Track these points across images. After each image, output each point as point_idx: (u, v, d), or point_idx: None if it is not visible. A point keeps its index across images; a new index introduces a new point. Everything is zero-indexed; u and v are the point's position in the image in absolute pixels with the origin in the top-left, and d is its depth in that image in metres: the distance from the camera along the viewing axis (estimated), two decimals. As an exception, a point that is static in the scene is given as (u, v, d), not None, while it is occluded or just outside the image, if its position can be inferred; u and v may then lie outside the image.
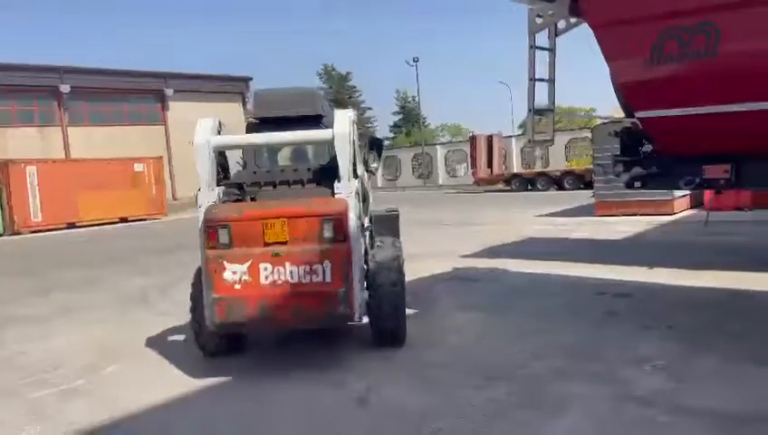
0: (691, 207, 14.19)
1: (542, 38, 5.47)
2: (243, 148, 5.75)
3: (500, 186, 31.22)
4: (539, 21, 5.35)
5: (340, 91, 66.58)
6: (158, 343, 5.93)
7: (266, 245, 4.54)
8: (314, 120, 5.51)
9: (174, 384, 4.66)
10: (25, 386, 4.86)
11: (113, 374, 5.08)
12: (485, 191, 30.84)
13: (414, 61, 45.81)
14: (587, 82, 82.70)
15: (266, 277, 4.52)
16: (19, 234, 22.28)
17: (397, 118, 68.91)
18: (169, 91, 33.92)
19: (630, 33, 4.61)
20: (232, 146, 5.56)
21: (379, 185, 45.13)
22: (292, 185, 5.25)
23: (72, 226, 23.81)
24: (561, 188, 27.55)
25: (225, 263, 4.54)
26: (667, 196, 13.20)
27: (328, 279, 4.50)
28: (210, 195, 4.90)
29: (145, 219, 26.01)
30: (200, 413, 4.14)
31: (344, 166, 4.78)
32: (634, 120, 5.11)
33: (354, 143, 5.07)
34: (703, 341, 4.83)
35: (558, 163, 33.40)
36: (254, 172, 5.58)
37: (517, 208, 18.79)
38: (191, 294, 5.22)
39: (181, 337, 5.99)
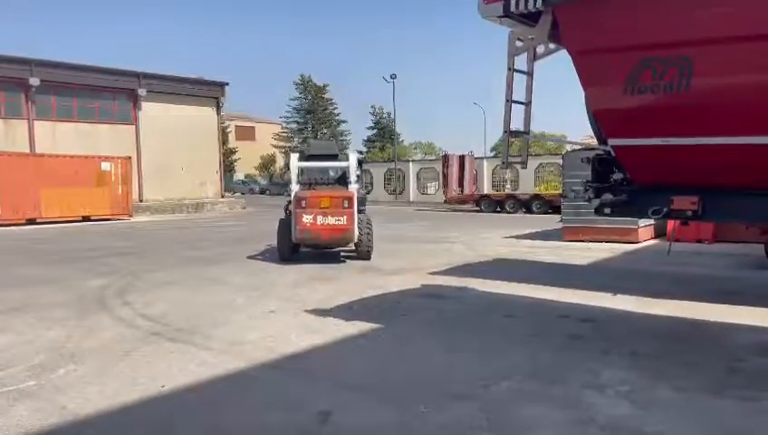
0: (654, 237, 14.49)
1: (521, 61, 5.54)
2: (308, 168, 12.02)
3: (469, 206, 31.46)
4: (519, 44, 5.41)
5: (316, 102, 66.60)
6: (115, 342, 5.75)
7: (320, 208, 10.73)
8: (334, 157, 12.39)
9: (130, 385, 4.52)
10: (-30, 386, 4.64)
11: (65, 376, 4.88)
12: (455, 210, 31.04)
13: (391, 77, 46.07)
14: (559, 108, 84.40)
15: (320, 222, 10.73)
16: (-25, 227, 21.53)
17: (371, 132, 69.18)
18: (142, 91, 33.34)
19: (607, 62, 4.70)
20: (305, 167, 11.98)
21: (350, 198, 45.03)
22: (327, 184, 12.01)
23: (32, 222, 23.13)
24: (529, 211, 27.90)
25: (303, 215, 10.72)
26: (633, 224, 13.47)
27: (345, 223, 10.82)
28: (296, 187, 11.36)
29: (109, 219, 25.42)
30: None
31: (352, 177, 11.70)
32: (606, 147, 5.19)
33: (354, 168, 11.82)
34: (664, 369, 4.89)
35: (527, 187, 33.85)
36: (309, 178, 11.97)
37: (486, 229, 18.94)
38: (278, 236, 11.64)
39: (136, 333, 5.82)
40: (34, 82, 29.40)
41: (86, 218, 24.78)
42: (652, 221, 12.80)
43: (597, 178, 5.51)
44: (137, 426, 4.00)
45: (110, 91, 32.76)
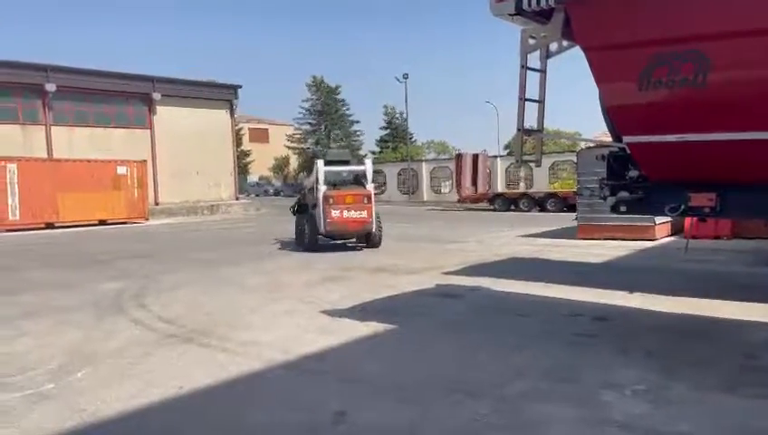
0: (671, 234, 14.33)
1: (534, 59, 5.51)
2: (331, 172, 13.60)
3: (483, 205, 31.35)
4: (531, 42, 5.37)
5: (329, 104, 66.73)
6: (132, 344, 5.80)
7: (345, 204, 12.99)
8: (347, 163, 14.55)
9: (148, 387, 4.56)
10: (-9, 388, 4.70)
11: (83, 379, 4.93)
12: (469, 209, 30.95)
13: (404, 77, 46.10)
14: (572, 105, 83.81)
15: (345, 215, 12.98)
16: (-5, 232, 21.86)
17: (384, 132, 69.18)
18: (157, 96, 33.64)
19: (621, 58, 4.65)
20: (330, 171, 13.58)
21: (364, 199, 45.11)
22: (348, 185, 13.66)
23: (50, 226, 23.43)
24: (543, 209, 27.73)
25: (332, 210, 12.89)
26: (649, 222, 13.34)
27: (365, 216, 13.18)
28: (324, 187, 13.09)
29: (125, 222, 25.69)
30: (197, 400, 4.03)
31: (369, 178, 13.85)
32: (621, 144, 5.14)
33: (371, 171, 14.06)
34: (679, 367, 4.83)
35: (541, 185, 33.67)
36: (329, 180, 13.47)
37: (500, 228, 18.86)
38: (296, 229, 14.23)
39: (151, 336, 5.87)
40: (51, 88, 29.78)
41: (103, 222, 25.06)
42: (669, 218, 12.66)
43: (612, 175, 5.45)
44: (155, 428, 4.03)
45: (125, 96, 33.10)
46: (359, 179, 13.86)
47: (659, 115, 4.59)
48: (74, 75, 31.06)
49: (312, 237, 13.55)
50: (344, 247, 14.07)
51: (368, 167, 14.09)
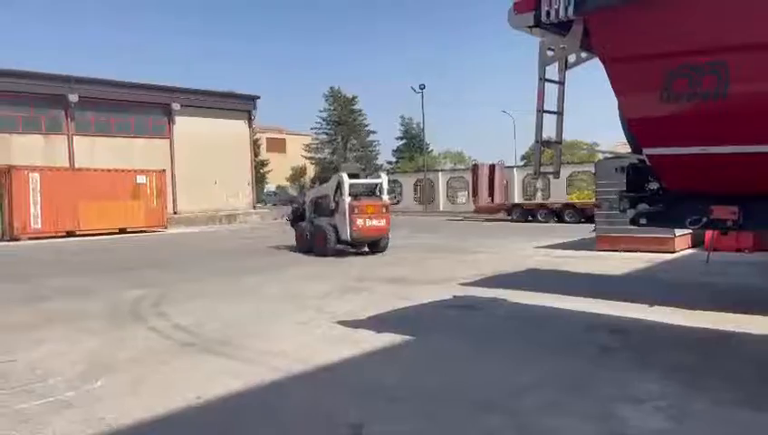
0: (692, 246, 14.14)
1: (552, 70, 5.49)
2: (354, 184, 14.72)
3: (500, 215, 31.20)
4: (550, 54, 5.36)
5: (345, 114, 67.03)
6: (151, 353, 5.85)
7: (367, 213, 14.38)
8: (357, 175, 15.48)
9: (166, 395, 4.58)
10: (12, 396, 4.76)
11: (102, 387, 4.97)
12: (486, 220, 30.82)
13: (420, 88, 46.17)
14: (590, 116, 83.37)
15: (368, 223, 14.42)
16: (17, 240, 22.23)
17: (400, 143, 69.29)
18: (176, 106, 34.09)
19: (641, 70, 4.62)
20: (353, 184, 14.67)
21: (380, 209, 45.15)
22: (367, 195, 14.92)
23: (71, 234, 23.77)
24: (561, 220, 27.52)
25: (357, 218, 14.22)
26: (669, 234, 13.18)
27: (384, 224, 14.77)
28: (349, 198, 14.31)
29: (144, 231, 25.98)
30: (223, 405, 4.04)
31: (385, 190, 15.45)
32: (641, 156, 5.10)
33: (387, 184, 15.69)
34: (701, 382, 4.76)
35: (559, 196, 33.45)
36: (354, 192, 14.63)
37: (517, 239, 18.75)
38: (319, 240, 14.72)
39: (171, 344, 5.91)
40: (73, 98, 30.31)
41: (122, 230, 25.37)
42: (689, 230, 12.50)
43: (632, 187, 5.40)
44: (172, 437, 4.05)
45: (145, 106, 33.58)
46: (374, 190, 15.35)
47: (680, 127, 4.55)
48: (96, 86, 31.61)
49: (335, 244, 14.59)
50: (358, 255, 14.10)
51: (384, 180, 15.79)
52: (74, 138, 30.82)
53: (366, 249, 15.06)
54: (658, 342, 6.20)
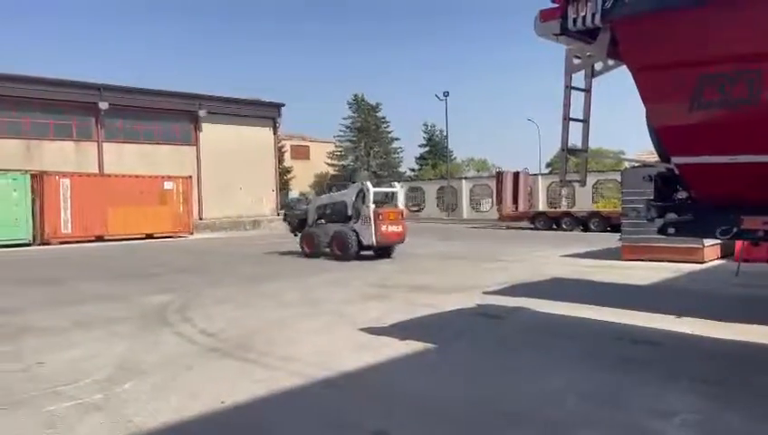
0: (721, 257, 13.86)
1: (578, 78, 5.45)
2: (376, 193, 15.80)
3: (524, 223, 30.96)
4: (576, 62, 5.33)
5: (369, 121, 67.25)
6: (177, 357, 5.93)
7: (389, 220, 15.39)
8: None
9: (192, 399, 4.64)
10: (42, 398, 4.86)
11: (130, 390, 5.05)
12: (509, 228, 30.61)
13: (444, 95, 46.16)
14: (616, 123, 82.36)
15: (390, 229, 15.37)
16: (48, 244, 22.70)
17: (423, 150, 69.24)
18: (203, 113, 34.56)
19: (670, 78, 4.56)
20: (375, 192, 15.71)
21: (403, 216, 45.14)
22: (384, 203, 15.87)
23: (99, 239, 24.20)
24: (586, 229, 27.21)
25: (381, 224, 15.16)
26: (697, 244, 12.93)
27: (401, 230, 15.73)
28: (373, 206, 15.21)
29: (171, 236, 26.34)
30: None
31: (401, 199, 17.51)
32: (669, 165, 5.03)
33: (402, 193, 19.38)
34: (731, 395, 4.66)
35: (584, 204, 33.08)
36: (375, 199, 15.49)
37: (541, 247, 18.59)
38: (340, 244, 15.49)
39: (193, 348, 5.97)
40: (103, 105, 30.93)
41: (149, 236, 25.75)
42: (718, 240, 12.26)
43: (660, 196, 5.33)
44: (197, 441, 4.10)
45: (173, 114, 34.12)
46: (390, 199, 16.69)
47: (711, 136, 4.48)
48: (125, 94, 32.23)
49: (357, 249, 15.42)
50: (374, 260, 14.12)
51: (398, 189, 17.44)
52: (104, 144, 31.44)
53: (370, 252, 15.68)
54: (687, 353, 6.09)
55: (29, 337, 7.09)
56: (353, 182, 17.38)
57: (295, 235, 17.53)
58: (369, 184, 15.93)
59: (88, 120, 31.30)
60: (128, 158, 31.16)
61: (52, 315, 8.46)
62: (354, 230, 15.45)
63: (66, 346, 6.61)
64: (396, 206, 16.23)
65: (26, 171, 23.91)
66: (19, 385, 5.22)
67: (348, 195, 16.12)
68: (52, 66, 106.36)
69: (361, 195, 15.58)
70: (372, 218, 15.20)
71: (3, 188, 22.48)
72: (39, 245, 22.68)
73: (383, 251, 15.89)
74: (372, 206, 15.32)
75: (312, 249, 16.26)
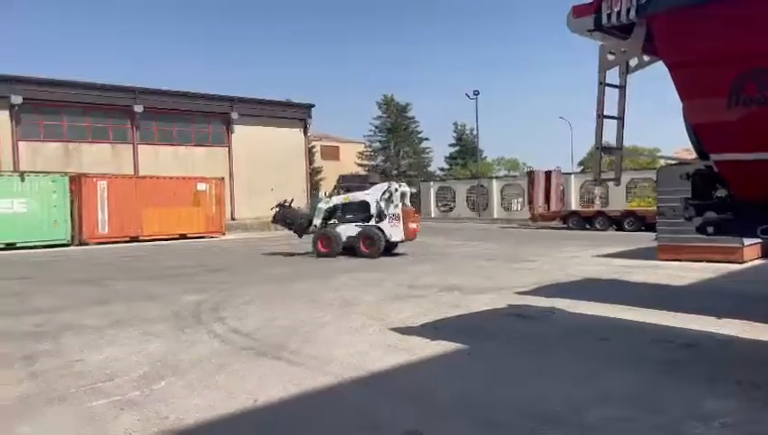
0: (762, 256, 13.47)
1: (613, 74, 5.36)
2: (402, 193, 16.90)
3: (556, 223, 30.59)
4: (610, 58, 5.23)
5: (399, 121, 67.22)
6: (211, 356, 6.01)
7: (411, 218, 16.70)
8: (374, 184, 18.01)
9: (226, 398, 4.70)
10: (81, 394, 4.98)
11: (166, 388, 5.14)
12: (541, 228, 30.27)
13: (474, 94, 45.88)
14: (651, 120, 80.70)
15: (411, 226, 16.56)
16: (86, 244, 23.29)
17: (453, 149, 68.93)
18: (235, 115, 35.06)
19: (708, 73, 4.44)
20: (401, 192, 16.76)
21: (433, 215, 45.05)
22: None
23: (134, 239, 24.72)
24: (620, 228, 26.74)
25: (409, 223, 16.45)
26: (737, 243, 12.59)
27: (418, 227, 17.21)
28: (401, 205, 16.48)
29: (203, 237, 26.76)
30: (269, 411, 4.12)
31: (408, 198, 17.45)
32: (708, 162, 4.90)
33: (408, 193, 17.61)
34: (776, 400, 4.52)
35: (618, 203, 32.50)
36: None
37: (574, 247, 18.33)
38: (367, 243, 16.24)
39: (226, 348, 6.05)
40: (139, 109, 31.64)
41: (183, 236, 26.21)
42: (759, 239, 11.91)
43: (698, 194, 5.19)
44: (231, 438, 4.15)
45: (206, 116, 34.69)
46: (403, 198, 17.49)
47: (751, 132, 4.34)
48: (160, 96, 32.91)
49: (383, 246, 16.25)
50: (407, 263, 14.12)
51: (408, 189, 18.07)
52: (139, 146, 32.14)
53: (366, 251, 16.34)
54: (728, 356, 5.93)
55: (69, 335, 7.28)
56: (371, 184, 18.01)
57: (300, 236, 17.78)
58: (396, 184, 16.96)
59: (124, 123, 32.05)
60: (163, 160, 31.80)
61: (90, 314, 8.67)
62: (379, 228, 16.25)
63: (104, 344, 6.77)
64: (407, 205, 17.05)
65: (65, 173, 24.58)
66: (60, 381, 5.36)
67: (371, 195, 16.77)
68: (88, 69, 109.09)
69: (387, 195, 16.46)
70: (401, 216, 16.36)
71: (43, 189, 23.14)
72: (77, 245, 23.27)
73: (389, 248, 16.66)
74: (400, 204, 16.42)
75: (329, 249, 16.47)
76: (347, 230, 16.60)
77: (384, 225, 16.33)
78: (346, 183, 18.68)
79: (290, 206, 18.33)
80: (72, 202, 23.73)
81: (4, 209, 22.06)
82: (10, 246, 21.74)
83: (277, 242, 23.53)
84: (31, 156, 28.95)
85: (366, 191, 17.17)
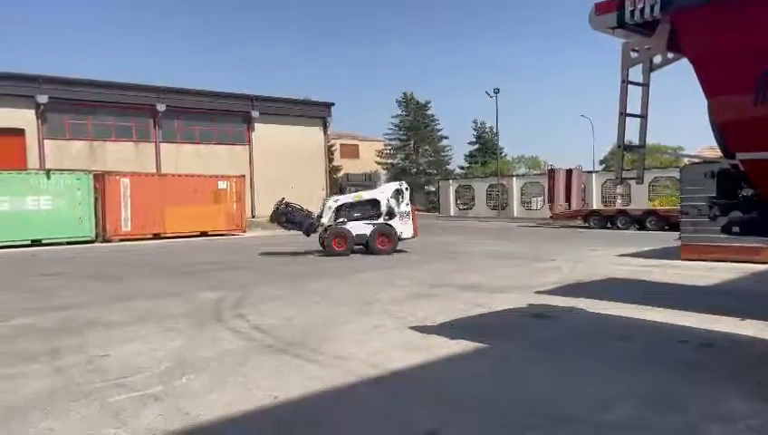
0: (789, 257, 13.18)
1: (636, 72, 5.29)
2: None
3: (577, 222, 30.30)
4: (634, 55, 5.16)
5: (418, 119, 67.12)
6: (231, 353, 6.07)
7: (415, 217, 17.81)
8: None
9: (246, 394, 4.75)
10: (105, 389, 5.06)
11: (187, 384, 5.20)
12: (562, 226, 30.01)
13: (494, 92, 45.61)
14: (674, 119, 79.53)
15: (417, 223, 17.92)
16: (109, 241, 23.64)
17: (473, 147, 68.62)
18: (255, 113, 35.31)
19: (734, 70, 4.36)
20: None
21: (452, 214, 44.92)
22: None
23: (157, 236, 25.02)
24: (642, 228, 26.40)
25: (417, 219, 17.82)
26: (762, 243, 12.35)
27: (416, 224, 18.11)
28: (410, 204, 17.60)
29: (224, 234, 26.99)
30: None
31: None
32: (734, 161, 4.81)
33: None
34: (802, 404, 4.43)
35: (640, 202, 32.10)
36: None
37: (595, 246, 18.15)
38: (381, 240, 16.88)
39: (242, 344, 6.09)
40: (161, 107, 32.02)
41: (204, 233, 26.47)
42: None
43: (723, 194, 5.11)
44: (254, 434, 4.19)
45: (227, 114, 35.00)
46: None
47: (778, 130, 4.26)
48: (182, 95, 33.27)
49: (397, 242, 17.05)
50: (426, 262, 14.10)
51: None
52: (161, 145, 32.53)
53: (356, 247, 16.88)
54: (751, 358, 5.83)
55: (93, 331, 7.40)
56: (371, 183, 18.56)
57: (308, 235, 17.60)
58: (404, 185, 17.88)
59: (146, 122, 32.46)
60: (185, 158, 32.15)
61: (114, 310, 8.80)
62: (391, 226, 16.98)
63: (127, 340, 6.87)
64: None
65: (89, 171, 24.97)
66: (85, 376, 5.45)
67: (382, 194, 17.35)
68: (109, 69, 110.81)
69: (398, 193, 17.30)
70: (411, 214, 17.50)
71: (68, 187, 23.53)
72: (101, 242, 23.63)
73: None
74: (410, 203, 17.53)
75: (344, 247, 16.65)
76: (355, 228, 16.85)
77: (395, 222, 17.02)
78: (352, 183, 18.57)
79: (289, 204, 18.03)
80: (95, 200, 24.10)
81: (31, 206, 22.49)
82: (36, 243, 22.18)
83: (296, 240, 23.65)
84: (57, 154, 29.49)
85: (376, 190, 17.62)
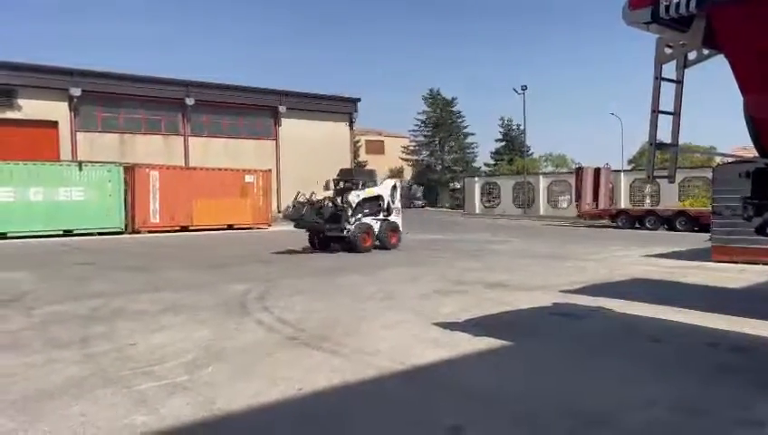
0: (825, 260, 12.82)
1: (669, 68, 5.18)
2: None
3: (605, 221, 29.88)
4: (668, 51, 5.06)
5: (444, 116, 66.84)
6: (256, 344, 6.14)
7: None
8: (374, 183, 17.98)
9: (271, 385, 4.79)
10: (133, 377, 5.16)
11: (213, 374, 5.27)
12: (589, 226, 29.63)
13: (522, 89, 45.13)
14: (705, 118, 77.90)
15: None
16: (138, 233, 24.06)
17: (499, 145, 68.09)
18: (282, 108, 35.54)
19: (772, 67, 4.26)
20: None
21: (477, 211, 44.65)
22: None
23: (184, 229, 25.37)
24: (671, 228, 25.92)
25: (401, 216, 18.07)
26: (797, 245, 12.04)
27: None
28: (398, 200, 17.74)
29: (251, 228, 27.25)
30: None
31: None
32: (770, 160, 4.70)
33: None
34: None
35: (670, 202, 31.50)
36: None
37: (623, 246, 17.88)
38: (389, 235, 17.01)
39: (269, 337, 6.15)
40: (190, 101, 32.40)
41: (230, 227, 26.77)
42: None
43: (758, 194, 4.99)
44: (278, 425, 4.23)
45: (254, 109, 35.29)
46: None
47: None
48: (211, 90, 33.65)
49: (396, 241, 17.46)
50: (452, 259, 14.05)
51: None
52: (190, 139, 32.95)
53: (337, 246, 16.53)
54: (784, 363, 5.69)
55: (122, 320, 7.54)
56: (353, 180, 17.51)
57: (342, 233, 16.66)
58: (398, 181, 18.95)
59: (175, 116, 32.91)
60: (213, 151, 32.54)
61: (142, 300, 8.96)
62: (395, 221, 17.43)
63: (155, 329, 6.99)
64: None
65: (120, 164, 25.42)
66: (113, 364, 5.56)
67: (384, 190, 17.54)
68: (141, 63, 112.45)
69: (395, 190, 17.70)
70: (401, 211, 17.98)
71: (99, 179, 24.01)
72: (130, 233, 24.06)
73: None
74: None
75: (369, 243, 16.50)
76: (374, 224, 16.91)
77: (395, 218, 17.41)
78: (343, 177, 18.05)
79: (309, 201, 16.96)
80: (125, 191, 24.54)
81: (63, 197, 23.00)
82: (68, 233, 22.67)
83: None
84: (88, 146, 30.08)
85: (380, 186, 17.85)
